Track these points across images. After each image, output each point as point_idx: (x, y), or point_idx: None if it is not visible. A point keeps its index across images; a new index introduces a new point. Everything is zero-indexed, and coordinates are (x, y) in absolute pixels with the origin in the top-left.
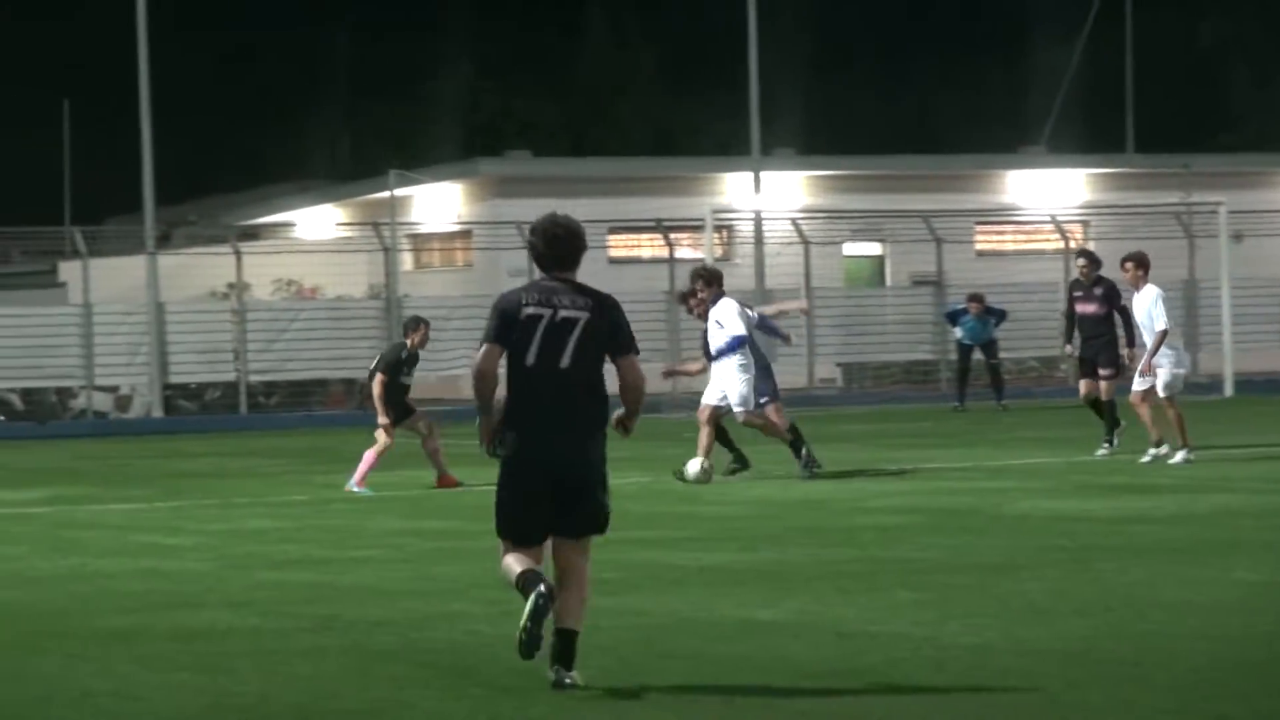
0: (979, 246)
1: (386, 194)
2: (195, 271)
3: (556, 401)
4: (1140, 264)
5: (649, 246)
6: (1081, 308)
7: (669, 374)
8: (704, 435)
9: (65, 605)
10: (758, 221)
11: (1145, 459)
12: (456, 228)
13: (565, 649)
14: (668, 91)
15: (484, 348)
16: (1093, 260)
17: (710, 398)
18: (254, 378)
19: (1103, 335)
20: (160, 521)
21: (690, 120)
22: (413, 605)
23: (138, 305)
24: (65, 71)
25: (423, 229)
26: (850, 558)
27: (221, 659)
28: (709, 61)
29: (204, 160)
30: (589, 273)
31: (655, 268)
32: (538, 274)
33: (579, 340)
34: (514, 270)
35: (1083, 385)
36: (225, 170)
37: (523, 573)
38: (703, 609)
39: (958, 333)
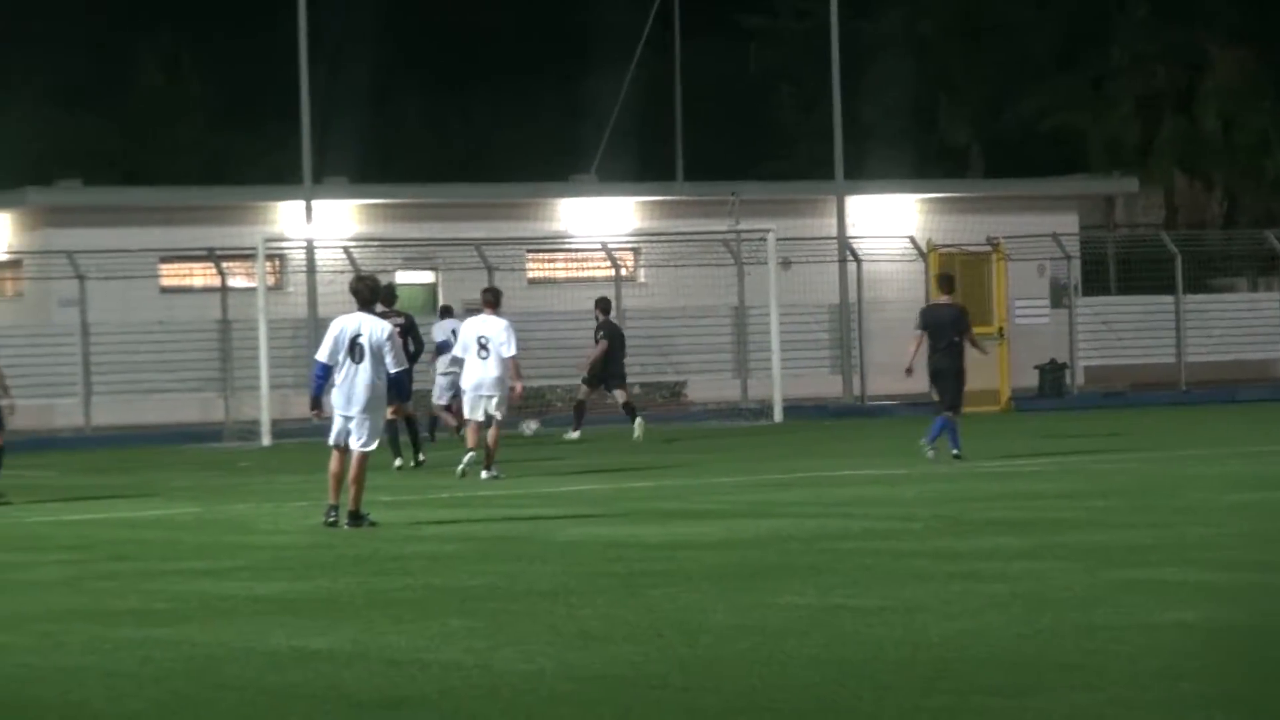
0: (531, 274)
1: None
2: None
3: None
4: None
5: (201, 276)
6: None
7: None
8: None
9: None
10: (309, 250)
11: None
12: (6, 258)
13: None
14: (222, 121)
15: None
16: None
17: None
18: None
19: None
20: None
21: (243, 150)
22: None
23: None
24: None
25: None
26: (402, 585)
27: None
28: (264, 90)
29: None
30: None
31: (208, 296)
32: None
33: None
34: (65, 301)
35: None
36: None
37: None
38: (255, 639)
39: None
